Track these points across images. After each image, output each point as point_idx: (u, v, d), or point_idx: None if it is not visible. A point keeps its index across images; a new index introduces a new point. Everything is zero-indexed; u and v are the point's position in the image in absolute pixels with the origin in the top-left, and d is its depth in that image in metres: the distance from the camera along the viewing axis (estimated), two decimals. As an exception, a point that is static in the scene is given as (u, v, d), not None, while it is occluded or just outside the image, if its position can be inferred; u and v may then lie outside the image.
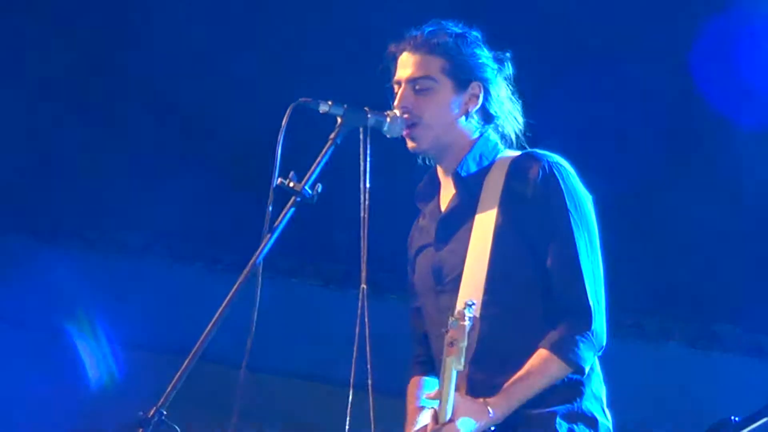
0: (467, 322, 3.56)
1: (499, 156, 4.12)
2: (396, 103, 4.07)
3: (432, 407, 3.89)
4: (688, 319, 7.56)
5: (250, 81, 8.07)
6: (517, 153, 4.13)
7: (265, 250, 3.79)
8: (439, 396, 3.79)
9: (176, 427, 3.63)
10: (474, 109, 4.11)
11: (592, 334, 3.92)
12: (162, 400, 3.64)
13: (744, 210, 7.39)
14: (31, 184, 8.65)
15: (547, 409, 3.91)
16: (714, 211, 7.41)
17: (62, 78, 8.41)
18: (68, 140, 8.41)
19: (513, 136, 4.19)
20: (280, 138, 3.87)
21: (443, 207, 4.15)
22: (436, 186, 4.20)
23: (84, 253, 8.53)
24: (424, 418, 4.07)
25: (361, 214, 3.96)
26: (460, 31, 4.13)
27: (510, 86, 4.18)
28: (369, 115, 4.00)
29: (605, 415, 4.03)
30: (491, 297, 3.88)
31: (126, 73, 8.33)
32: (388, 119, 4.02)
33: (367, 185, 3.97)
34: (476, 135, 4.13)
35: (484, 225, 4.00)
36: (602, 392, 4.05)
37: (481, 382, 3.88)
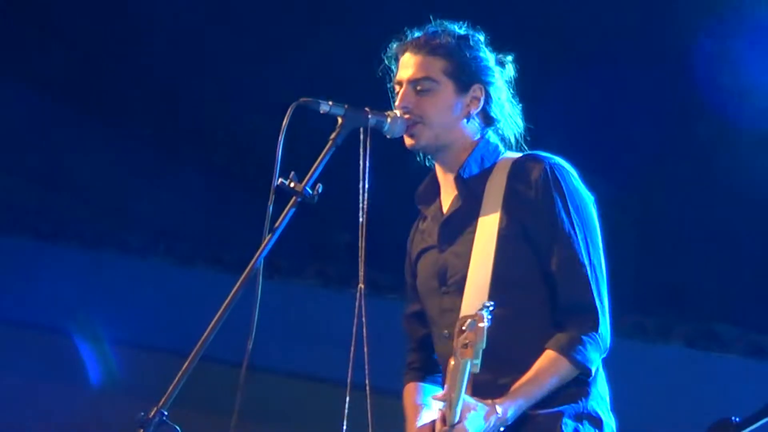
0: (486, 324, 3.54)
1: (500, 158, 4.12)
2: (397, 103, 4.07)
3: (439, 409, 3.89)
4: (688, 319, 7.56)
5: (250, 81, 8.07)
6: (519, 155, 4.13)
7: (266, 251, 3.79)
8: (448, 397, 3.79)
9: (177, 428, 3.63)
10: (475, 111, 4.11)
11: (599, 336, 3.93)
12: (163, 400, 3.64)
13: (744, 210, 7.39)
14: (32, 184, 8.66)
15: (554, 409, 3.92)
16: (714, 211, 7.42)
17: (63, 78, 8.42)
18: (68, 140, 8.41)
19: (513, 140, 4.19)
20: (281, 138, 3.87)
21: (445, 209, 4.14)
22: (436, 188, 4.20)
23: (84, 253, 8.53)
24: (427, 416, 4.07)
25: (360, 215, 3.96)
26: (462, 32, 4.13)
27: (511, 89, 4.18)
28: (369, 116, 4.00)
29: (610, 415, 4.04)
30: (496, 299, 3.87)
31: (126, 74, 8.34)
32: (389, 120, 4.02)
33: (367, 186, 3.97)
34: (477, 137, 4.13)
35: (488, 227, 4.00)
36: (606, 393, 4.05)
37: (485, 383, 3.88)
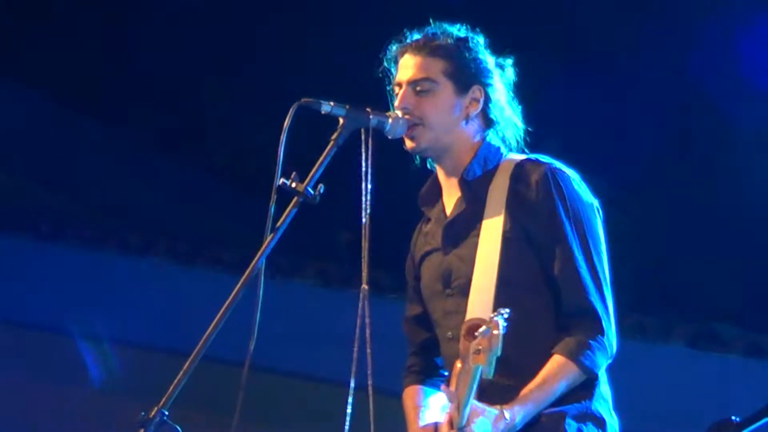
0: (501, 331, 3.53)
1: (502, 159, 4.12)
2: (397, 104, 4.07)
3: (446, 411, 3.88)
4: (688, 319, 7.56)
5: (250, 81, 8.08)
6: (520, 157, 4.13)
7: (267, 251, 3.79)
8: (455, 400, 3.78)
9: (178, 428, 3.63)
10: (474, 112, 4.11)
11: (606, 340, 3.94)
12: (164, 400, 3.64)
13: (744, 210, 7.39)
14: (32, 184, 8.66)
15: (556, 409, 3.92)
16: (714, 211, 7.42)
17: (63, 78, 8.42)
18: (69, 140, 8.41)
19: (513, 142, 4.19)
20: (283, 138, 3.87)
21: (448, 211, 4.14)
22: (438, 190, 4.20)
23: (84, 253, 8.53)
24: (429, 418, 4.07)
25: (363, 215, 3.96)
26: (462, 34, 4.13)
27: (511, 92, 4.18)
28: (371, 116, 4.00)
29: (612, 416, 4.04)
30: (501, 302, 3.88)
31: (127, 74, 8.34)
32: (390, 120, 4.02)
33: (369, 186, 3.97)
34: (477, 139, 4.13)
35: (492, 230, 4.00)
36: (609, 393, 4.06)
37: (489, 384, 3.88)
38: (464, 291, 4.00)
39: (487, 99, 4.11)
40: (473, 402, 3.75)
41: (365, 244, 3.93)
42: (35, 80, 8.42)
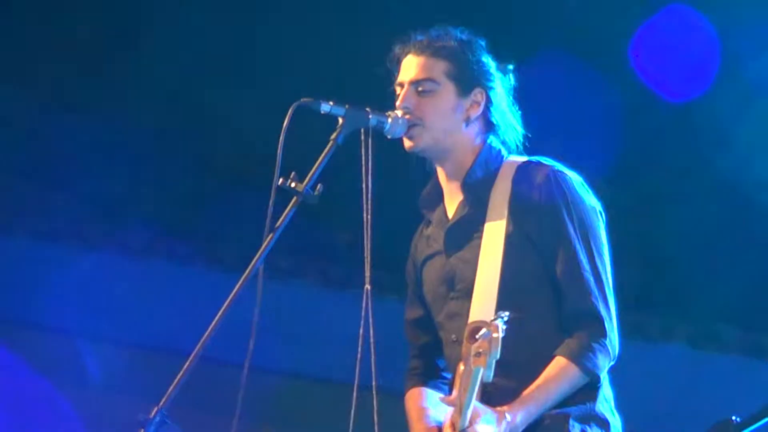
0: (500, 334, 3.54)
1: (504, 162, 4.12)
2: (398, 103, 4.08)
3: (449, 413, 3.89)
4: (688, 319, 7.56)
5: (250, 81, 8.07)
6: (522, 159, 4.13)
7: (267, 251, 3.79)
8: (457, 402, 3.79)
9: (178, 428, 3.63)
10: (475, 115, 4.11)
11: (609, 342, 3.95)
12: (163, 400, 3.65)
13: (744, 210, 7.39)
14: (31, 184, 8.65)
15: (561, 410, 3.93)
16: (714, 211, 7.42)
17: (62, 77, 8.41)
18: (68, 140, 8.41)
19: (513, 145, 4.19)
20: (282, 138, 3.87)
21: (450, 214, 4.15)
22: (439, 192, 4.20)
23: (84, 253, 8.53)
24: (432, 418, 4.08)
25: (364, 215, 3.97)
26: (465, 37, 4.13)
27: (511, 98, 4.18)
28: (370, 116, 4.00)
29: (615, 416, 4.05)
30: (504, 305, 3.89)
31: (126, 73, 8.33)
32: (390, 120, 4.03)
33: (369, 186, 3.97)
34: (478, 141, 4.13)
35: (494, 233, 4.01)
36: (611, 394, 4.07)
37: (492, 387, 3.89)
38: (468, 294, 4.01)
39: (489, 102, 4.11)
40: (475, 403, 3.75)
41: (367, 244, 3.94)
42: (34, 79, 8.42)
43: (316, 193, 3.85)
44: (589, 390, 3.98)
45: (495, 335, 3.52)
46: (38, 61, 8.41)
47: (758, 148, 7.28)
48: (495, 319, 3.57)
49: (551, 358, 3.94)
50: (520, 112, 4.21)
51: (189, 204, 8.30)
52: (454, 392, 3.90)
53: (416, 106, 4.07)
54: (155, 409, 3.63)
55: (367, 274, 3.96)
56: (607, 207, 4.16)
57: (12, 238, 8.61)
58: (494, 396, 3.86)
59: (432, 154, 4.13)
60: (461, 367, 3.86)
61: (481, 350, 3.55)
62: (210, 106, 8.20)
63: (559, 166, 4.08)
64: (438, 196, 4.21)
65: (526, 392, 3.89)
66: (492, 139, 4.14)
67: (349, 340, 3.95)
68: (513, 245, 3.98)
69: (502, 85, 4.15)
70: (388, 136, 4.05)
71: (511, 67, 4.20)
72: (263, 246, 3.79)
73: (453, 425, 3.82)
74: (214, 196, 8.31)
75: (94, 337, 8.02)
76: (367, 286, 3.95)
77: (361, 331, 3.91)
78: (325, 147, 3.92)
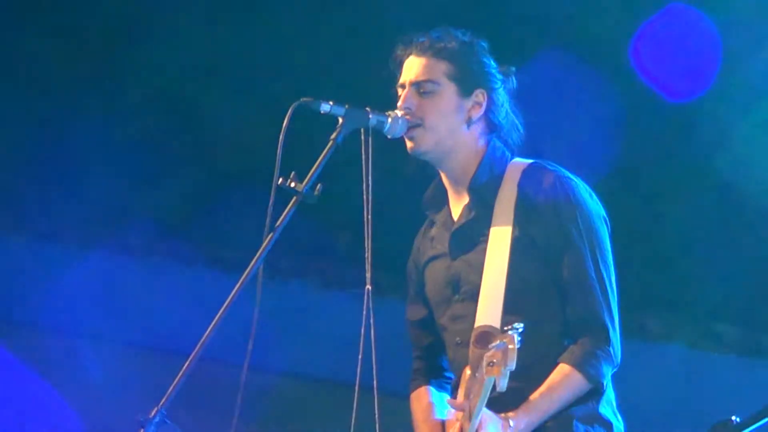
0: (516, 346, 3.55)
1: (508, 164, 4.12)
2: (399, 104, 4.08)
3: (457, 419, 3.91)
4: (688, 319, 7.56)
5: (250, 81, 8.07)
6: (526, 162, 4.12)
7: (267, 251, 3.79)
8: (467, 408, 3.80)
9: (177, 428, 3.63)
10: (477, 116, 4.11)
11: (612, 350, 3.96)
12: (163, 400, 3.65)
13: (744, 210, 7.39)
14: (31, 184, 8.65)
15: (565, 412, 3.93)
16: (714, 211, 7.42)
17: (62, 77, 8.41)
18: (68, 139, 8.40)
19: (516, 147, 4.19)
20: (282, 138, 3.87)
21: (455, 216, 4.14)
22: (443, 194, 4.20)
23: (84, 253, 8.53)
24: (438, 415, 4.10)
25: (365, 215, 3.97)
26: (467, 38, 4.13)
27: (512, 100, 4.18)
28: (370, 116, 4.00)
29: (618, 418, 4.06)
30: (510, 309, 3.90)
31: (126, 73, 8.33)
32: (390, 120, 4.03)
33: (370, 185, 3.97)
34: (481, 143, 4.13)
35: (500, 236, 4.01)
36: (613, 396, 4.08)
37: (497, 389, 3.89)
38: (473, 296, 4.01)
39: (490, 103, 4.11)
40: (484, 410, 3.76)
41: (368, 244, 3.94)
42: (34, 79, 8.41)
43: (315, 193, 3.85)
44: (592, 392, 3.98)
45: (511, 347, 3.53)
46: (39, 63, 8.41)
47: (758, 148, 7.28)
48: (509, 330, 3.57)
49: (555, 362, 3.95)
50: (521, 113, 4.21)
51: (189, 204, 8.29)
52: (460, 395, 3.92)
53: (417, 106, 4.07)
54: (155, 409, 3.63)
55: (368, 274, 3.96)
56: (607, 207, 4.17)
57: (12, 238, 8.61)
58: (498, 398, 3.87)
59: (434, 156, 4.13)
60: (468, 371, 3.88)
61: (495, 360, 3.56)
62: (210, 106, 8.20)
63: (565, 172, 4.09)
64: (442, 198, 4.20)
65: (530, 399, 3.90)
66: (495, 141, 4.14)
67: (349, 341, 3.95)
68: (519, 249, 3.98)
69: (504, 86, 4.15)
70: (388, 136, 4.05)
71: (513, 68, 4.20)
72: (263, 246, 3.79)
73: (462, 430, 3.84)
74: (214, 196, 8.31)
75: (94, 337, 8.01)
76: (368, 287, 3.96)
77: (362, 331, 3.92)
78: (324, 147, 3.92)
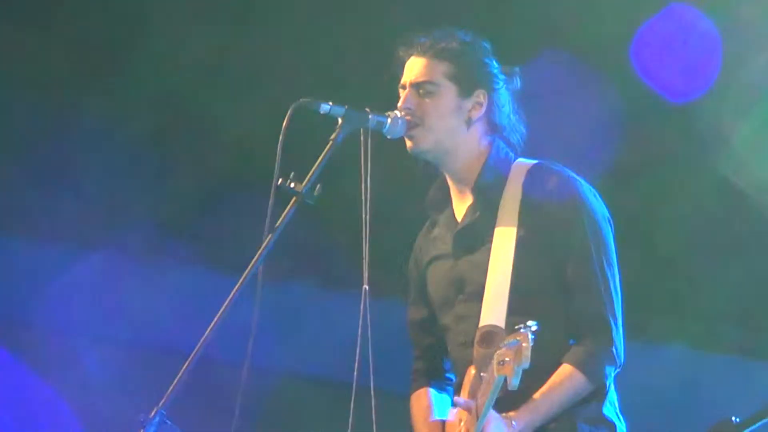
0: (530, 344, 3.55)
1: (513, 164, 4.12)
2: (399, 104, 4.09)
3: (461, 419, 3.91)
4: (688, 319, 7.55)
5: (250, 81, 8.07)
6: (531, 162, 4.13)
7: (266, 251, 3.79)
8: (474, 407, 3.81)
9: (177, 428, 3.63)
10: (477, 116, 4.12)
11: (615, 351, 3.96)
12: (163, 400, 3.65)
13: (744, 210, 7.39)
14: (32, 184, 8.64)
15: (568, 412, 3.94)
16: (714, 211, 7.41)
17: (61, 77, 8.40)
18: (68, 140, 8.40)
19: (519, 148, 4.20)
20: (281, 138, 3.88)
21: (459, 216, 4.15)
22: (447, 194, 4.20)
23: (84, 253, 8.53)
24: (438, 415, 4.10)
25: (363, 215, 3.97)
26: (469, 38, 4.14)
27: (516, 101, 4.18)
28: (370, 116, 4.01)
29: (620, 419, 4.07)
30: (514, 309, 3.91)
31: (126, 73, 8.32)
32: (389, 120, 4.04)
33: (368, 186, 3.98)
34: (484, 144, 4.13)
35: (505, 237, 4.01)
36: (615, 397, 4.08)
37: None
38: (477, 297, 4.02)
39: (491, 104, 4.11)
40: (491, 411, 3.77)
41: (365, 244, 3.95)
42: (34, 79, 8.41)
43: (315, 193, 3.86)
44: (596, 392, 3.99)
45: (525, 345, 3.53)
46: (39, 63, 8.41)
47: (759, 148, 7.28)
48: (521, 328, 3.58)
49: (559, 362, 3.95)
50: (523, 114, 4.21)
51: (189, 204, 8.29)
52: (464, 394, 3.92)
53: (417, 106, 4.08)
54: (155, 409, 3.63)
55: (365, 274, 3.97)
56: (607, 206, 4.17)
57: (12, 238, 8.61)
58: (501, 398, 3.87)
59: (434, 156, 4.13)
60: (472, 371, 3.88)
61: (506, 359, 3.56)
62: (210, 106, 8.19)
63: (570, 172, 4.09)
64: (445, 198, 4.21)
65: (533, 399, 3.90)
66: (499, 142, 4.14)
67: (348, 341, 3.96)
68: (524, 249, 3.99)
69: (506, 87, 4.15)
70: (388, 137, 4.06)
71: (517, 69, 4.21)
72: (263, 246, 3.80)
73: (468, 430, 3.84)
74: (214, 196, 8.30)
75: (94, 337, 8.01)
76: (365, 286, 3.96)
77: (359, 330, 3.92)
78: (324, 147, 3.92)
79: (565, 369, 3.94)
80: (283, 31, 8.05)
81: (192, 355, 3.70)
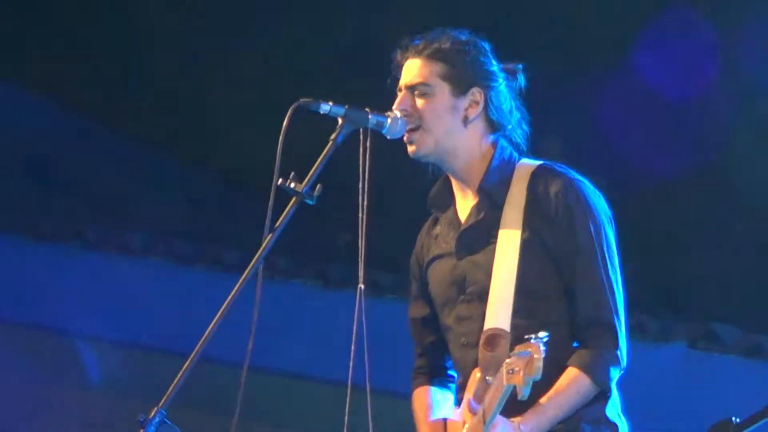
0: (542, 356, 3.55)
1: (517, 165, 4.12)
2: (394, 107, 4.09)
3: (465, 423, 3.92)
4: (688, 319, 7.56)
5: (250, 81, 8.07)
6: (535, 163, 4.12)
7: (266, 251, 3.79)
8: (480, 413, 3.81)
9: (177, 428, 3.63)
10: (474, 115, 4.10)
11: (619, 354, 3.97)
12: (163, 400, 3.65)
13: (744, 210, 7.39)
14: (32, 184, 8.65)
15: (572, 415, 3.94)
16: (714, 211, 7.42)
17: (61, 78, 8.41)
18: (68, 140, 8.41)
19: (523, 147, 4.19)
20: (282, 138, 3.88)
21: (463, 216, 4.14)
22: (450, 193, 4.19)
23: (84, 253, 8.53)
24: (440, 413, 4.10)
25: (360, 215, 3.97)
26: (464, 38, 4.13)
27: (517, 98, 4.17)
28: (370, 116, 4.00)
29: (622, 420, 4.07)
30: (519, 311, 3.91)
31: (126, 74, 8.33)
32: (389, 120, 4.03)
33: (366, 186, 3.98)
34: (485, 143, 4.12)
35: (509, 238, 4.00)
36: (618, 398, 4.08)
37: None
38: (480, 297, 4.01)
39: (488, 102, 4.10)
40: (498, 417, 3.77)
41: (362, 244, 3.94)
42: (35, 81, 8.42)
43: (315, 193, 3.85)
44: (599, 395, 3.99)
45: (537, 357, 3.53)
46: (40, 64, 8.42)
47: (758, 148, 7.28)
48: (534, 339, 3.57)
49: (564, 365, 3.95)
50: (525, 112, 4.20)
51: (189, 204, 8.30)
52: (467, 396, 3.93)
53: (413, 108, 4.08)
54: (155, 409, 3.63)
55: (361, 273, 3.97)
56: (608, 206, 4.17)
57: (12, 238, 8.61)
58: (511, 403, 3.87)
59: (436, 158, 4.13)
60: (477, 373, 3.88)
61: (516, 368, 3.56)
62: (210, 106, 8.20)
63: (574, 174, 4.08)
64: (448, 197, 4.20)
65: (539, 403, 3.90)
66: (502, 141, 4.14)
67: (348, 341, 3.95)
68: (528, 251, 3.98)
69: (506, 85, 4.14)
70: (388, 136, 4.05)
71: (520, 67, 4.20)
72: (263, 246, 3.80)
73: None
74: (214, 196, 8.31)
75: (94, 337, 8.02)
76: (361, 285, 3.96)
77: (354, 328, 3.92)
78: (324, 147, 3.92)
79: (571, 372, 3.94)
80: (284, 31, 8.06)
81: (192, 355, 3.70)
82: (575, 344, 4.00)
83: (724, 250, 7.51)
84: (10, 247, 8.55)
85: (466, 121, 4.10)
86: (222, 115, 8.20)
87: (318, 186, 3.86)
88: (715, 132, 7.38)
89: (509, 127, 4.14)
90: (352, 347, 3.92)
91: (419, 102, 4.07)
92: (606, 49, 7.35)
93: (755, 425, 3.75)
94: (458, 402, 4.11)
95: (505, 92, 4.13)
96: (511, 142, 4.16)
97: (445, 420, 4.10)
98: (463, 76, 4.08)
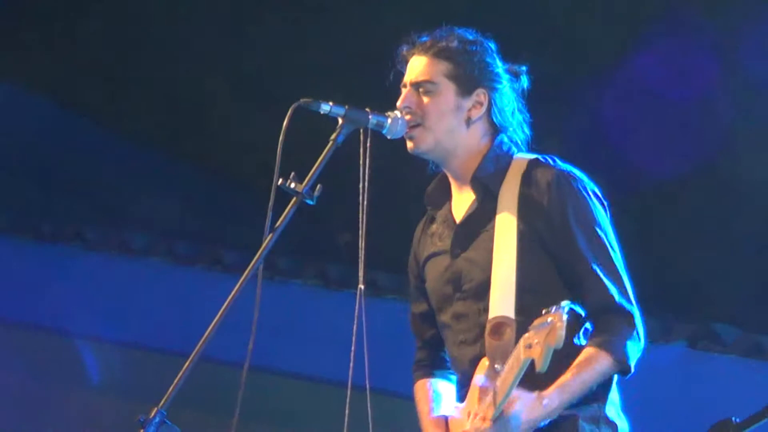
0: (564, 323, 3.53)
1: (513, 159, 4.12)
2: (399, 103, 4.09)
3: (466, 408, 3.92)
4: (688, 319, 7.56)
5: (250, 81, 8.08)
6: (530, 157, 4.13)
7: (266, 251, 3.80)
8: (495, 392, 3.80)
9: (177, 428, 3.63)
10: (477, 115, 4.11)
11: (636, 333, 3.96)
12: (163, 400, 3.65)
13: (744, 210, 7.39)
14: (32, 184, 8.65)
15: (570, 412, 3.93)
16: (714, 211, 7.42)
17: (61, 78, 8.42)
18: (68, 140, 8.41)
19: (523, 145, 4.19)
20: (282, 138, 3.88)
21: (459, 213, 4.14)
22: (446, 191, 4.20)
23: (84, 253, 8.53)
24: (442, 409, 4.10)
25: (360, 215, 3.97)
26: (471, 38, 4.13)
27: (521, 100, 4.17)
28: (370, 116, 4.01)
29: (622, 419, 4.07)
30: (521, 304, 3.91)
31: (126, 74, 8.34)
32: (389, 120, 4.03)
33: (366, 186, 3.98)
34: (485, 142, 4.13)
35: (506, 233, 4.01)
36: (618, 398, 4.08)
37: None
38: (476, 294, 4.02)
39: (492, 104, 4.10)
40: (516, 389, 3.76)
41: (362, 244, 3.95)
42: (34, 80, 8.43)
43: (315, 193, 3.86)
44: (599, 392, 3.98)
45: (559, 324, 3.51)
46: (41, 64, 8.42)
47: (758, 148, 7.28)
48: (556, 309, 3.57)
49: (565, 356, 3.94)
50: (527, 115, 4.21)
51: (189, 204, 8.30)
52: (473, 388, 3.92)
53: (417, 105, 4.08)
54: (155, 409, 3.63)
55: (361, 273, 3.97)
56: (607, 206, 4.17)
57: (13, 239, 8.61)
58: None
59: (435, 156, 4.13)
60: (486, 362, 3.88)
61: (535, 341, 3.55)
62: (210, 106, 8.21)
63: (567, 166, 4.09)
64: (445, 194, 4.21)
65: (561, 380, 3.88)
66: (502, 137, 4.14)
67: (347, 341, 3.96)
68: (526, 243, 3.99)
69: (510, 86, 4.15)
70: (388, 137, 4.06)
71: (524, 68, 4.20)
72: (263, 246, 3.80)
73: (484, 419, 3.83)
74: (214, 196, 8.31)
75: (94, 337, 8.02)
76: (361, 286, 3.97)
77: (354, 328, 3.92)
78: (324, 147, 3.92)
79: (589, 351, 3.92)
80: (285, 31, 8.06)
81: (192, 355, 3.70)
82: (585, 330, 3.99)
83: (724, 250, 7.52)
84: (10, 247, 8.55)
85: (468, 121, 4.11)
86: (222, 115, 8.21)
87: (318, 186, 3.86)
88: (716, 132, 7.38)
89: (510, 129, 4.15)
90: (352, 347, 3.92)
91: (424, 99, 4.07)
92: (606, 49, 7.35)
93: (755, 425, 3.75)
94: (459, 398, 4.11)
95: (508, 94, 4.14)
96: (511, 140, 4.16)
97: (446, 418, 4.10)
98: (469, 76, 4.08)
